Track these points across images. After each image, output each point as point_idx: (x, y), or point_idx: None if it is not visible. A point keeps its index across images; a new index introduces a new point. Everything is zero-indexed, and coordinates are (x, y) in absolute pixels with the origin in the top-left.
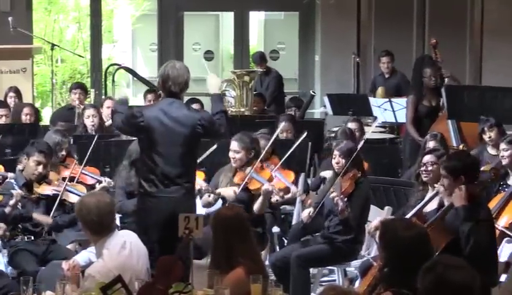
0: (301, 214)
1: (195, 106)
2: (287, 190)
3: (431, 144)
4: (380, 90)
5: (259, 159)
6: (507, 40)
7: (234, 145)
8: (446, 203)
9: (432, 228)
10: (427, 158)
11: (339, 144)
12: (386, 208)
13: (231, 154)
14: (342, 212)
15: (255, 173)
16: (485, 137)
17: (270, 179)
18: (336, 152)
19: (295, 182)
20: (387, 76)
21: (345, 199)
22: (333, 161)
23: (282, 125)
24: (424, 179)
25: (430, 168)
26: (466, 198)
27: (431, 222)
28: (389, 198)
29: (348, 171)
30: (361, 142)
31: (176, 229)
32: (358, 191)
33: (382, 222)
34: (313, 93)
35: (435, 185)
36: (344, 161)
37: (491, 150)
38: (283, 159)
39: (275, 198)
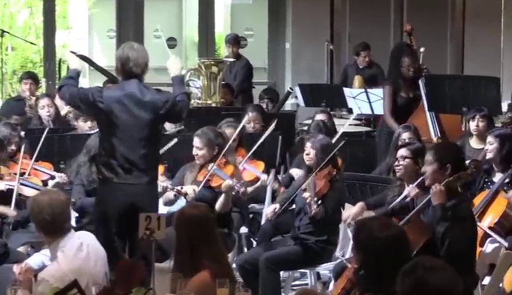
0: (266, 209)
1: None
2: (257, 180)
3: (404, 136)
4: (357, 80)
5: (221, 154)
6: (490, 26)
7: (196, 141)
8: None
9: (409, 226)
10: (401, 152)
11: (314, 136)
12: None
13: (194, 151)
14: (315, 215)
15: (218, 169)
16: (472, 124)
17: (233, 175)
18: (308, 144)
19: (266, 173)
20: (361, 67)
21: (319, 201)
22: (304, 155)
23: (248, 114)
24: (397, 174)
25: (401, 162)
26: (445, 196)
27: (407, 220)
28: (365, 195)
29: (322, 169)
30: (336, 136)
31: (136, 223)
32: (333, 192)
33: (357, 222)
34: (290, 90)
35: (406, 189)
36: (315, 153)
37: (474, 144)
38: (252, 151)
39: (241, 190)
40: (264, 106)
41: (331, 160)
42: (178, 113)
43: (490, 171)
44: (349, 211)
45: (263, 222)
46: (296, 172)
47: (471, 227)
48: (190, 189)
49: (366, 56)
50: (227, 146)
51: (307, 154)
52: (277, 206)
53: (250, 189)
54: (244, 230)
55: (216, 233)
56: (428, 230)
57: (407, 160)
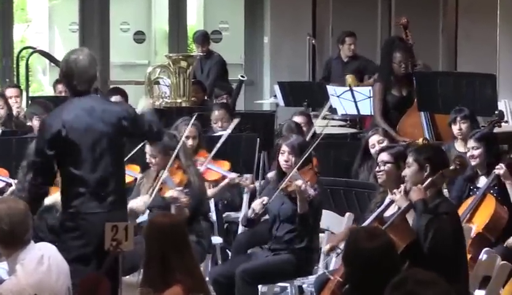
0: (252, 205)
1: (116, 98)
2: (222, 179)
3: (373, 140)
4: (350, 79)
5: (172, 159)
6: (485, 19)
7: (148, 148)
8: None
9: (391, 228)
10: (381, 156)
11: (289, 138)
12: (347, 214)
13: (148, 159)
14: (314, 198)
15: (169, 177)
16: (455, 128)
17: (181, 182)
18: (284, 148)
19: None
20: (345, 60)
21: (316, 186)
22: (281, 159)
23: (214, 114)
24: (379, 180)
25: (383, 168)
26: (425, 192)
27: (390, 223)
28: (350, 202)
29: (303, 167)
30: (309, 134)
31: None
32: (320, 186)
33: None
34: (242, 77)
35: (389, 195)
36: (294, 159)
37: (460, 147)
38: (214, 150)
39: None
40: (224, 102)
41: (308, 161)
42: (149, 129)
43: (473, 178)
44: (336, 237)
45: (239, 231)
46: (272, 174)
47: (456, 223)
48: (140, 201)
49: (351, 43)
50: (177, 147)
51: (286, 161)
52: (265, 198)
53: (213, 191)
54: (218, 240)
55: (189, 242)
56: (412, 232)
57: (388, 165)
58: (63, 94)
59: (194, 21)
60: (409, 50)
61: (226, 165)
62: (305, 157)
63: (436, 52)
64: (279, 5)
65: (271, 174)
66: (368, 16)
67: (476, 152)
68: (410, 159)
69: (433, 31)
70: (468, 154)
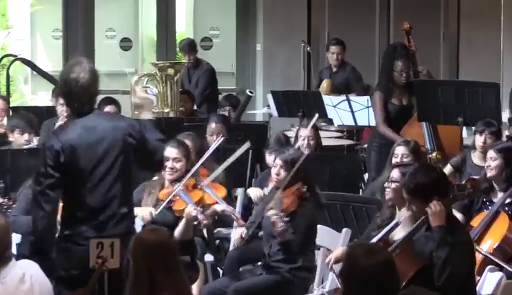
0: (233, 235)
1: (109, 108)
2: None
3: (398, 151)
4: (325, 84)
5: (191, 173)
6: (488, 25)
7: (172, 152)
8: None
9: (398, 253)
10: (393, 173)
11: (283, 151)
12: (344, 230)
13: (169, 164)
14: (282, 235)
15: (184, 191)
16: (479, 139)
17: (200, 201)
18: (277, 161)
19: (226, 199)
20: (334, 70)
21: (287, 219)
22: (273, 172)
23: (211, 126)
24: (386, 196)
25: (391, 185)
26: (445, 217)
27: (396, 246)
28: (347, 218)
29: (291, 186)
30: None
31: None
32: (303, 209)
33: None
34: (250, 93)
35: (398, 213)
36: (286, 173)
37: (476, 160)
38: (219, 171)
39: (203, 223)
40: (226, 113)
41: (302, 176)
42: (155, 147)
43: (489, 190)
44: (333, 253)
45: (231, 248)
46: (253, 192)
47: (472, 253)
48: (146, 211)
49: (335, 53)
50: (198, 164)
51: (278, 174)
52: (244, 230)
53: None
54: (209, 258)
55: (178, 261)
56: (420, 259)
57: (396, 183)
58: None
59: (184, 28)
60: (411, 58)
61: (222, 191)
62: (290, 176)
63: (437, 60)
64: (272, 11)
65: (250, 191)
66: (366, 23)
67: (494, 163)
68: (407, 195)
69: (433, 37)
70: (486, 164)
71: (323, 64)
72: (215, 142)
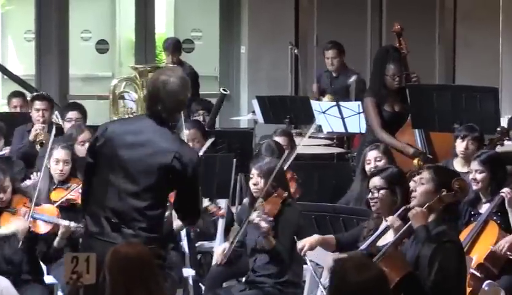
0: (215, 250)
1: (72, 114)
2: None
3: (370, 156)
4: (327, 98)
5: None
6: (486, 27)
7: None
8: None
9: (384, 258)
10: (373, 181)
11: (259, 160)
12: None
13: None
14: (267, 237)
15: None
16: (460, 145)
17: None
18: (254, 171)
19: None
20: (334, 75)
21: (271, 219)
22: (250, 182)
23: (186, 132)
24: (373, 208)
25: (376, 195)
26: (427, 218)
27: (382, 253)
28: (337, 230)
29: (271, 193)
30: (288, 158)
31: None
32: (286, 215)
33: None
34: (224, 91)
35: (384, 222)
36: (264, 182)
37: (458, 166)
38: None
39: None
40: (200, 119)
41: (282, 184)
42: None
43: (475, 202)
44: (306, 240)
45: (213, 262)
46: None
47: (461, 252)
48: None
49: (330, 58)
50: None
51: (255, 184)
52: (226, 245)
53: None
54: (190, 273)
55: (158, 276)
56: (407, 264)
57: (382, 191)
58: (18, 109)
59: (164, 29)
60: (403, 61)
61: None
62: (269, 183)
63: (432, 63)
64: (257, 11)
65: (246, 200)
66: (357, 23)
67: (480, 176)
68: (427, 174)
69: (428, 38)
70: (470, 177)
71: (311, 67)
72: (204, 145)
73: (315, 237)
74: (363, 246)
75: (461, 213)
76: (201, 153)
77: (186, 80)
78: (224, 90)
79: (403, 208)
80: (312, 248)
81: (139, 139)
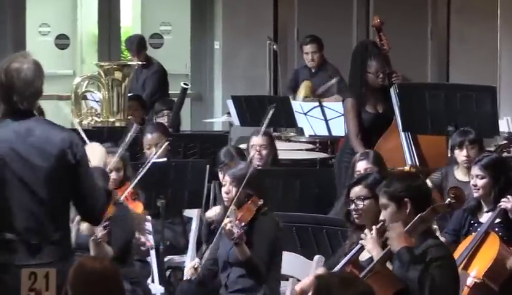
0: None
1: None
2: None
3: (360, 167)
4: (304, 85)
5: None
6: (483, 20)
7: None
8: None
9: (371, 275)
10: (355, 191)
11: (232, 166)
12: (316, 257)
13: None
14: (240, 246)
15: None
16: (461, 155)
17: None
18: (226, 178)
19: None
20: (313, 70)
21: (243, 224)
22: (223, 190)
23: (147, 137)
24: (356, 220)
25: (360, 206)
26: (408, 238)
27: (369, 270)
28: (320, 243)
29: (244, 202)
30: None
31: None
32: (261, 224)
33: (316, 277)
34: (185, 85)
35: (365, 232)
36: (236, 190)
37: (460, 175)
38: (133, 182)
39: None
40: (164, 120)
41: (256, 190)
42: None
43: (475, 211)
44: (301, 283)
45: (184, 278)
46: (211, 213)
47: (453, 270)
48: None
49: (309, 53)
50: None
51: (227, 193)
52: (197, 260)
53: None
54: (159, 290)
55: (123, 291)
56: (398, 280)
57: (366, 201)
58: None
59: (130, 23)
60: (385, 58)
61: (139, 207)
62: (240, 190)
63: (423, 60)
64: (233, 3)
65: (209, 214)
66: (342, 17)
67: (481, 182)
68: (383, 199)
69: (419, 33)
70: (471, 183)
71: (292, 64)
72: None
73: (309, 280)
74: (343, 262)
75: (461, 223)
76: (153, 158)
77: (40, 65)
78: (185, 83)
79: (381, 222)
80: (303, 293)
81: (26, 140)
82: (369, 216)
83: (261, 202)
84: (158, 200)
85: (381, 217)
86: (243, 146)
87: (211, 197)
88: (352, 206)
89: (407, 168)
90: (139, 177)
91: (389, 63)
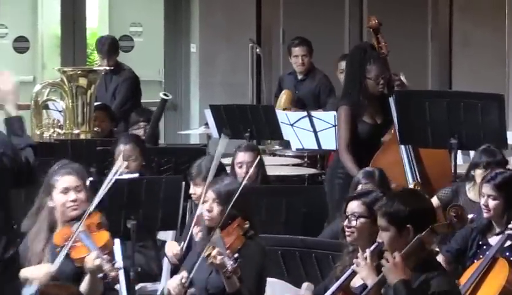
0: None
1: None
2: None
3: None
4: (284, 96)
5: (90, 209)
6: (489, 22)
7: (71, 180)
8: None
9: None
10: (351, 207)
11: (216, 182)
12: (304, 284)
13: (70, 196)
14: (231, 279)
15: (86, 233)
16: (478, 173)
17: (105, 246)
18: (210, 194)
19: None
20: (300, 77)
21: (236, 255)
22: (204, 208)
23: (119, 149)
24: (347, 239)
25: (354, 223)
26: (406, 269)
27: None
28: (309, 269)
29: (230, 223)
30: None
31: None
32: (249, 251)
33: None
34: (165, 96)
35: (358, 256)
36: (219, 208)
37: (472, 195)
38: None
39: (111, 274)
40: (140, 133)
41: (242, 210)
42: (23, 165)
43: (486, 231)
44: None
45: None
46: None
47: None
48: (40, 272)
49: (299, 55)
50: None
51: (210, 211)
52: (184, 274)
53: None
54: None
55: None
56: None
57: (361, 219)
58: None
59: (96, 24)
60: (385, 62)
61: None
62: (228, 210)
63: (423, 64)
64: (211, 1)
65: (169, 252)
66: (333, 18)
67: (492, 204)
68: (383, 221)
69: (419, 35)
70: (482, 202)
71: (276, 69)
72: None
73: None
74: (333, 287)
75: (467, 242)
76: (113, 175)
77: None
78: (165, 94)
79: (376, 243)
80: None
81: None
82: (363, 236)
83: (247, 225)
84: (128, 221)
85: (378, 239)
86: (225, 161)
87: (187, 218)
88: (345, 222)
89: (411, 186)
90: (99, 199)
91: (388, 69)
